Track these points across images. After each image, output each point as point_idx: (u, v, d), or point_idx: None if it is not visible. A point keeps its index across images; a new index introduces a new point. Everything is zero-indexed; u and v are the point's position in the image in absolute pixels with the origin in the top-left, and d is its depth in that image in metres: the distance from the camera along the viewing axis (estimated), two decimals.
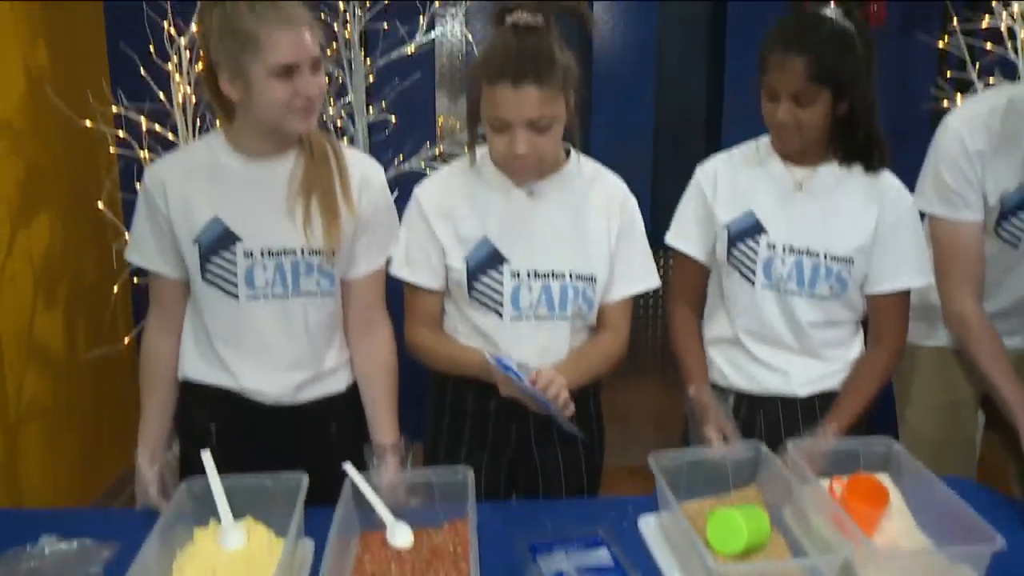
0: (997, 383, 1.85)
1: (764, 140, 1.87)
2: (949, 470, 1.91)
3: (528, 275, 1.73)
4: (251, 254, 1.63)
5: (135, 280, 2.68)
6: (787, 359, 1.84)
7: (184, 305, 1.74)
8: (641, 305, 3.44)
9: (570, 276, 1.74)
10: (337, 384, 1.77)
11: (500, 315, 1.74)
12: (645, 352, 3.65)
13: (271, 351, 1.68)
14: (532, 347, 1.74)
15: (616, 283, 1.80)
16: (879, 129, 1.78)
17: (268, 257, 1.64)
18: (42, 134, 2.81)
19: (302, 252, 1.65)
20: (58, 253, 2.91)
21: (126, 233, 2.59)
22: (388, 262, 1.78)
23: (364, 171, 1.72)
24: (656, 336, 3.60)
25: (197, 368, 1.72)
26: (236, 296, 1.65)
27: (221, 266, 1.64)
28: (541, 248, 1.73)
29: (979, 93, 1.95)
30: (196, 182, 1.64)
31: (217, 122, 1.72)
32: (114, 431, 3.27)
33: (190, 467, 1.60)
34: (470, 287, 1.74)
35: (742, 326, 1.85)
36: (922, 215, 1.92)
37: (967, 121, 1.86)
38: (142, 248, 1.69)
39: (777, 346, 1.84)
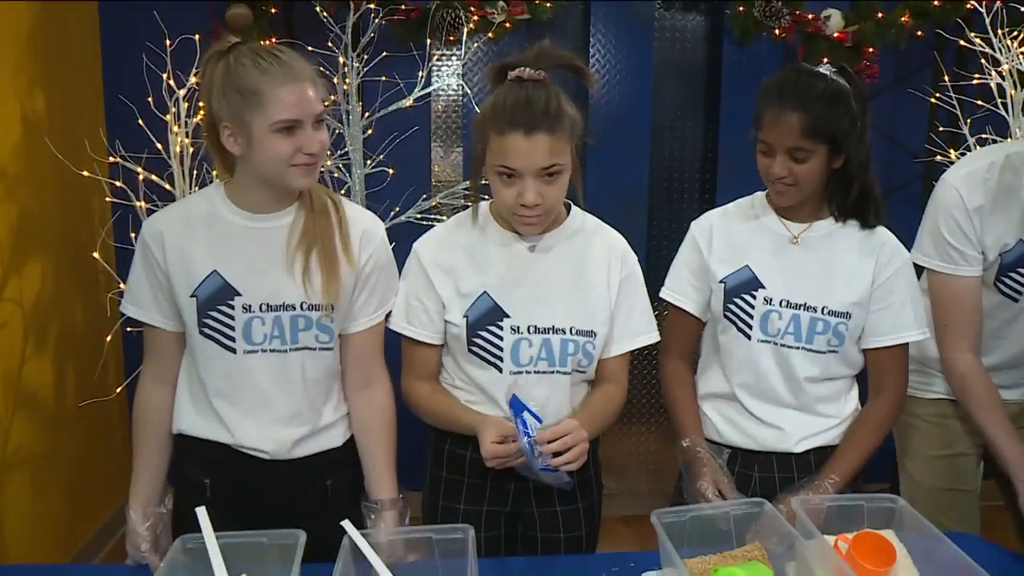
0: (994, 439, 1.85)
1: (759, 195, 1.89)
2: (950, 521, 1.91)
3: (528, 330, 1.72)
4: (250, 308, 1.62)
5: (128, 330, 2.66)
6: (782, 414, 1.83)
7: (180, 357, 1.72)
8: (636, 354, 3.41)
9: (570, 331, 1.73)
10: (334, 439, 1.74)
11: (500, 369, 1.73)
12: (639, 401, 3.64)
13: (268, 405, 1.66)
14: (531, 401, 1.71)
15: (616, 338, 1.80)
16: (874, 185, 1.81)
17: (267, 311, 1.62)
18: (37, 182, 2.80)
19: (301, 307, 1.63)
20: (49, 301, 2.89)
21: (120, 283, 2.59)
22: (387, 316, 1.77)
23: (365, 226, 1.71)
24: (650, 385, 3.59)
25: (192, 422, 1.69)
26: (233, 350, 1.63)
27: (219, 320, 1.62)
28: (542, 303, 1.73)
29: (977, 150, 1.98)
30: (195, 235, 1.63)
31: (215, 174, 1.72)
32: (101, 480, 3.22)
33: (184, 522, 1.57)
34: (469, 342, 1.73)
35: (738, 381, 1.85)
36: (919, 268, 1.93)
37: (965, 177, 1.88)
38: (139, 300, 1.68)
39: (773, 401, 1.83)
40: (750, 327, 1.82)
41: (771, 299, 1.80)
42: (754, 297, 1.81)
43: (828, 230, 1.82)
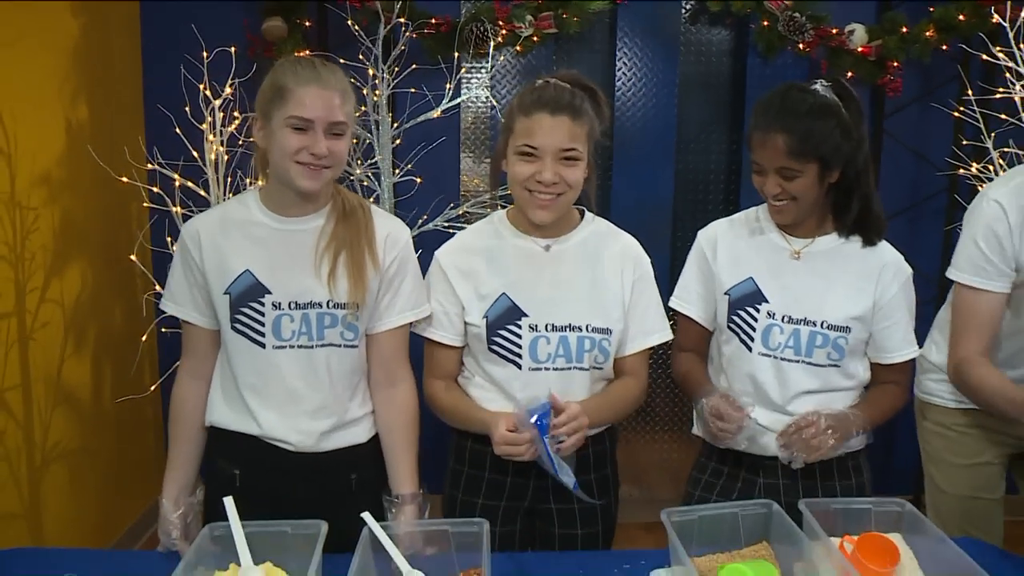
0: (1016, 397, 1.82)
1: (763, 208, 1.91)
2: (974, 528, 1.95)
3: (546, 328, 1.78)
4: (279, 306, 1.69)
5: (163, 331, 2.75)
6: (783, 421, 1.81)
7: (215, 354, 1.79)
8: (657, 363, 3.47)
9: (587, 328, 1.79)
10: (359, 435, 1.80)
11: (519, 366, 1.79)
12: (662, 409, 3.67)
13: (295, 399, 1.72)
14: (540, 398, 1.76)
15: (632, 336, 1.85)
16: (875, 200, 1.83)
17: (295, 309, 1.69)
18: (79, 187, 2.91)
19: (327, 305, 1.70)
20: (88, 302, 2.99)
21: (157, 285, 2.67)
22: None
23: (390, 230, 1.78)
24: (673, 393, 3.62)
25: (224, 415, 1.76)
26: (263, 345, 1.70)
27: (250, 316, 1.70)
28: (558, 302, 1.79)
29: (1019, 166, 2.01)
30: (230, 236, 1.71)
31: (248, 181, 1.79)
32: (135, 476, 3.32)
33: (214, 512, 1.63)
34: (489, 341, 1.79)
35: (740, 390, 1.88)
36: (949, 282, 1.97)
37: (1009, 192, 1.90)
38: (177, 298, 1.76)
39: (773, 409, 1.86)
40: (752, 339, 1.86)
41: (774, 313, 1.84)
42: (757, 311, 1.85)
43: (830, 246, 1.85)
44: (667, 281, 1.97)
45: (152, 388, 3.12)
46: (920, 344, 1.94)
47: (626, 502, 2.01)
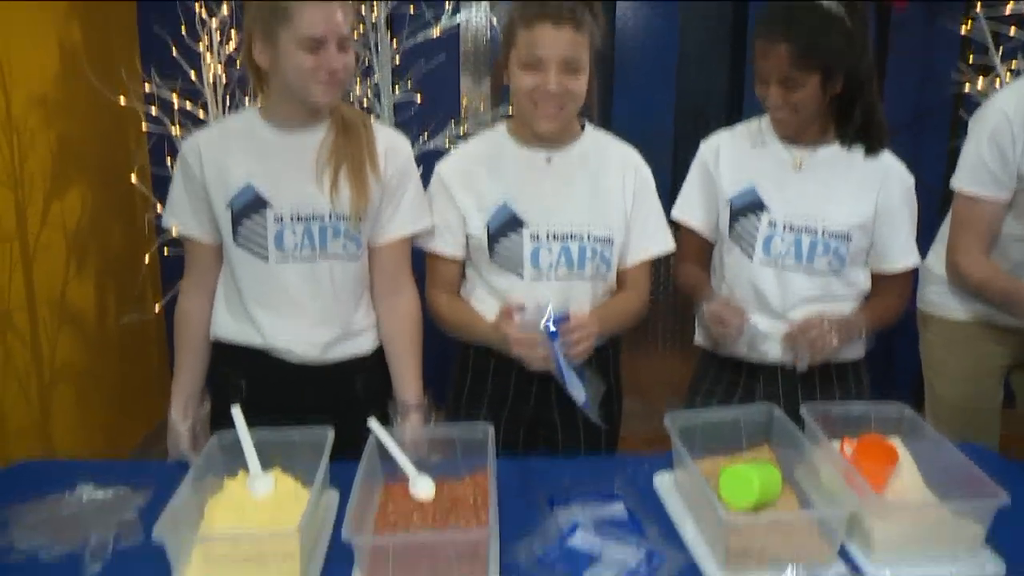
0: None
1: (765, 119, 1.90)
2: (974, 436, 1.97)
3: (547, 237, 1.78)
4: (281, 219, 1.69)
5: (165, 251, 2.75)
6: (783, 328, 1.84)
7: (217, 268, 1.79)
8: (660, 278, 3.48)
9: (588, 237, 1.79)
10: (363, 345, 1.82)
11: (521, 276, 1.80)
12: (665, 324, 3.69)
13: (299, 311, 1.74)
14: (551, 304, 1.76)
15: (633, 246, 1.86)
16: (878, 110, 1.81)
17: (297, 221, 1.69)
18: (75, 109, 2.88)
19: (329, 217, 1.70)
20: (89, 224, 3.00)
21: (157, 206, 2.67)
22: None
23: (391, 142, 1.77)
24: (676, 309, 3.63)
25: (228, 328, 1.78)
26: (266, 258, 1.70)
27: (252, 229, 1.70)
28: (559, 211, 1.80)
29: None
30: (231, 150, 1.70)
31: (247, 100, 1.76)
32: (140, 395, 3.37)
33: (221, 423, 1.64)
34: (491, 250, 1.80)
35: (741, 298, 1.89)
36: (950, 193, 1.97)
37: (1017, 101, 1.89)
38: (178, 213, 1.76)
39: (774, 318, 1.87)
40: (753, 247, 1.86)
41: (774, 222, 1.84)
42: (759, 218, 1.85)
43: (833, 155, 1.84)
44: (668, 203, 1.96)
45: (156, 308, 3.13)
46: (923, 256, 1.95)
47: (627, 416, 2.03)
